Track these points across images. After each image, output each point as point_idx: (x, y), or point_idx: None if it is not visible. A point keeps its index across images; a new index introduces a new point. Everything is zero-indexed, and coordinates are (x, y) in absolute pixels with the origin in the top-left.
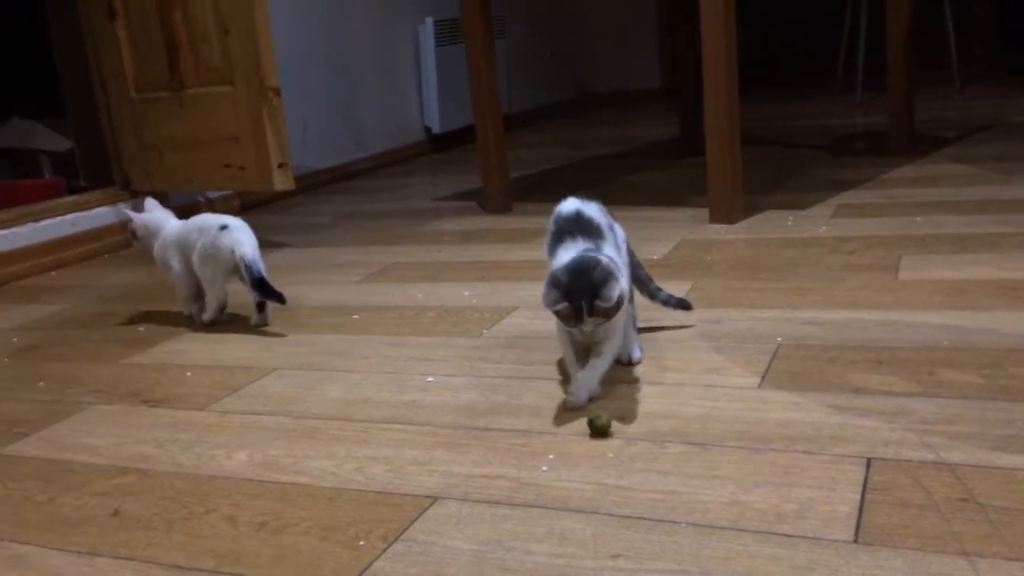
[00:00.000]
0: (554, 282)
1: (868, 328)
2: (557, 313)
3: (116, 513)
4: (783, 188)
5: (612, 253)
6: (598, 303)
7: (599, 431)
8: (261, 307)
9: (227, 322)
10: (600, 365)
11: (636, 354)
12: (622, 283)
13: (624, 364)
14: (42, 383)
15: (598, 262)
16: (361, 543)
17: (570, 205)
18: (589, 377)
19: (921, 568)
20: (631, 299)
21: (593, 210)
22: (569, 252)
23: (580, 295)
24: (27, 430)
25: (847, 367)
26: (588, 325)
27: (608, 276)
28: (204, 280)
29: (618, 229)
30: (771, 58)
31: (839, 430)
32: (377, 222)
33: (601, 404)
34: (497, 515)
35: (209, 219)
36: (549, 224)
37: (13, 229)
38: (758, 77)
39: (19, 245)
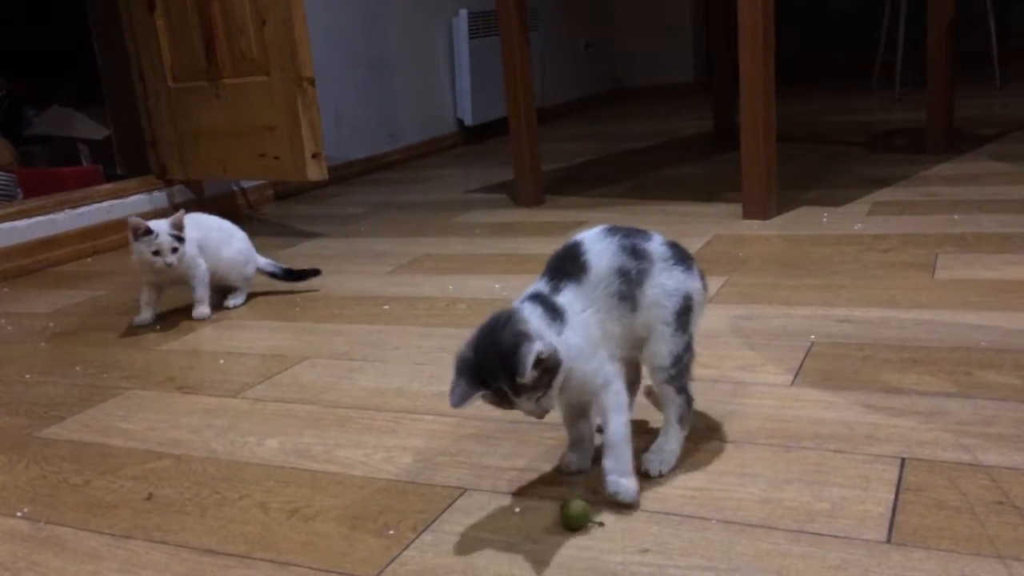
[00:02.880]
0: (459, 366)
1: (903, 327)
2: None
3: (150, 497)
4: (818, 184)
5: (570, 300)
6: (518, 380)
7: (570, 520)
8: (300, 276)
9: (258, 311)
10: (615, 445)
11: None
12: (540, 343)
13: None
14: (79, 368)
15: (506, 318)
16: (391, 532)
17: (584, 234)
18: (607, 466)
19: (955, 570)
20: (684, 355)
21: (609, 247)
22: (521, 296)
23: (492, 374)
24: (63, 413)
25: (881, 366)
26: (529, 405)
27: (516, 338)
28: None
29: (669, 276)
30: (808, 52)
31: (873, 429)
32: (409, 213)
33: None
34: (527, 507)
35: (219, 223)
36: None
37: (51, 216)
38: (794, 71)
39: (57, 231)
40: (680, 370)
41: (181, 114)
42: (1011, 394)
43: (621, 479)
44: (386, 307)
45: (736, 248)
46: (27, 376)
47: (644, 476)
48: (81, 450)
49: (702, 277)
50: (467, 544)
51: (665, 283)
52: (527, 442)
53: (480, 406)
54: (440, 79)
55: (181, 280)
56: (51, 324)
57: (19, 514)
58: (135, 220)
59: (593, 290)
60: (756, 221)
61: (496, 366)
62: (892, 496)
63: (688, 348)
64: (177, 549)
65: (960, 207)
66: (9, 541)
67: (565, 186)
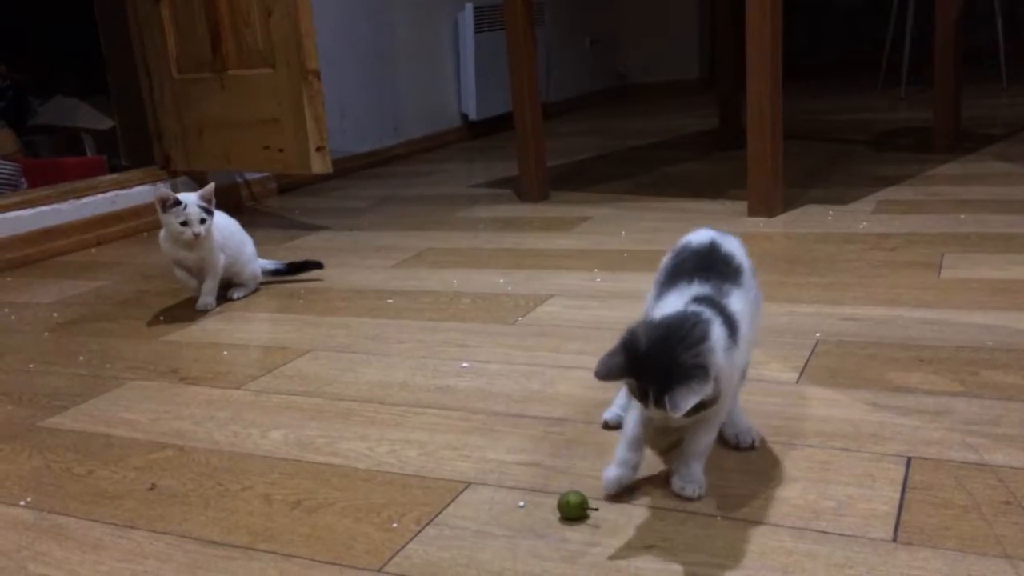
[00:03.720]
0: (626, 343)
1: (909, 326)
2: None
3: (153, 487)
4: (823, 183)
5: (740, 307)
6: (668, 411)
7: (570, 510)
8: (301, 267)
9: (262, 302)
10: (701, 453)
11: (747, 436)
12: (709, 386)
13: (733, 447)
14: (82, 358)
15: (695, 331)
16: (394, 525)
17: (702, 235)
18: (683, 476)
19: (961, 569)
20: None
21: (734, 246)
22: (678, 300)
23: (652, 377)
24: (67, 403)
25: (887, 365)
26: (660, 415)
27: (693, 370)
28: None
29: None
30: (813, 50)
31: (879, 428)
32: (413, 207)
33: None
34: (531, 502)
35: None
36: (666, 257)
37: (55, 206)
38: (800, 69)
39: (61, 222)
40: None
41: (186, 105)
42: (1017, 394)
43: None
44: (390, 301)
45: None
46: (30, 366)
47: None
48: (84, 440)
49: None
50: (471, 538)
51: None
52: (531, 436)
53: (490, 397)
54: (445, 73)
55: (203, 266)
56: (55, 314)
57: (22, 503)
58: (163, 191)
59: (747, 293)
60: (761, 219)
61: (659, 375)
62: (898, 495)
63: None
64: (180, 540)
65: (966, 207)
66: (12, 530)
67: (569, 182)
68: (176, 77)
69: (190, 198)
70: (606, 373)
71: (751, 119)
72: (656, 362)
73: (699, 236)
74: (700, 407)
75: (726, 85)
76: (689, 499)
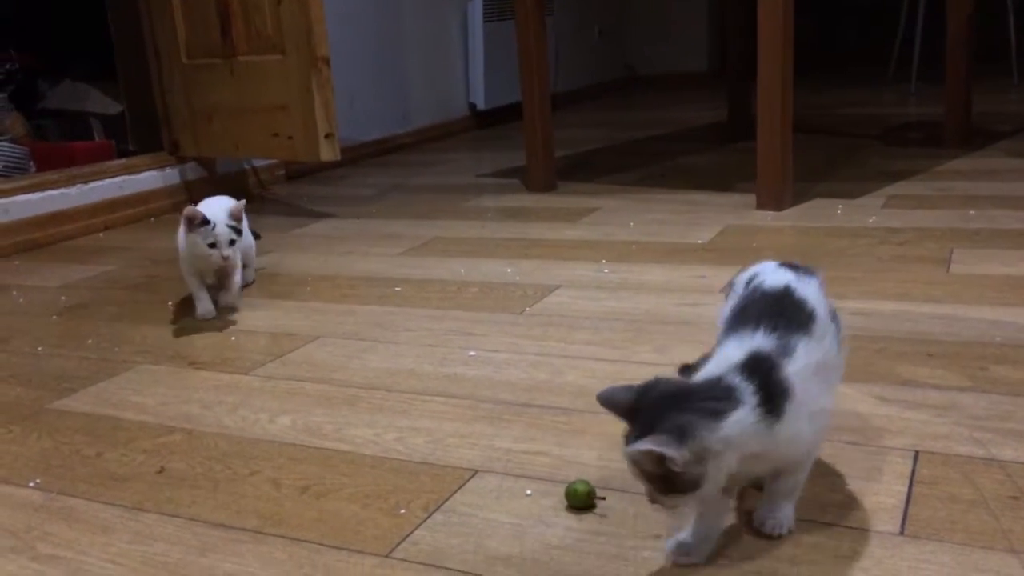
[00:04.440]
0: (642, 387)
1: (918, 321)
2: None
3: (162, 471)
4: (833, 177)
5: (805, 363)
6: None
7: (577, 499)
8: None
9: (268, 290)
10: (790, 494)
11: (777, 525)
12: (680, 453)
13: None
14: (90, 341)
15: (704, 414)
16: (402, 511)
17: (778, 275)
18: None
19: (968, 563)
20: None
21: (810, 289)
22: (736, 351)
23: (640, 426)
24: (75, 386)
25: (896, 359)
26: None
27: (672, 428)
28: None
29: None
30: (825, 44)
31: (886, 422)
32: (420, 196)
33: None
34: (538, 490)
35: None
36: (736, 285)
37: (63, 190)
38: (811, 63)
39: (69, 206)
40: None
41: (194, 91)
42: None
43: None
44: (397, 289)
45: (749, 239)
46: (39, 349)
47: (757, 534)
48: (93, 422)
49: None
50: (478, 525)
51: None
52: (538, 425)
53: (497, 385)
54: (454, 63)
55: (227, 271)
56: (63, 298)
57: (31, 484)
58: (191, 209)
59: (820, 343)
60: (770, 212)
61: (646, 425)
62: (905, 489)
63: None
64: (189, 522)
65: (976, 202)
66: (22, 511)
67: (577, 172)
68: (185, 62)
69: (219, 216)
70: (606, 401)
71: (761, 112)
72: (652, 413)
73: (774, 276)
74: (670, 484)
75: (736, 77)
76: (769, 536)
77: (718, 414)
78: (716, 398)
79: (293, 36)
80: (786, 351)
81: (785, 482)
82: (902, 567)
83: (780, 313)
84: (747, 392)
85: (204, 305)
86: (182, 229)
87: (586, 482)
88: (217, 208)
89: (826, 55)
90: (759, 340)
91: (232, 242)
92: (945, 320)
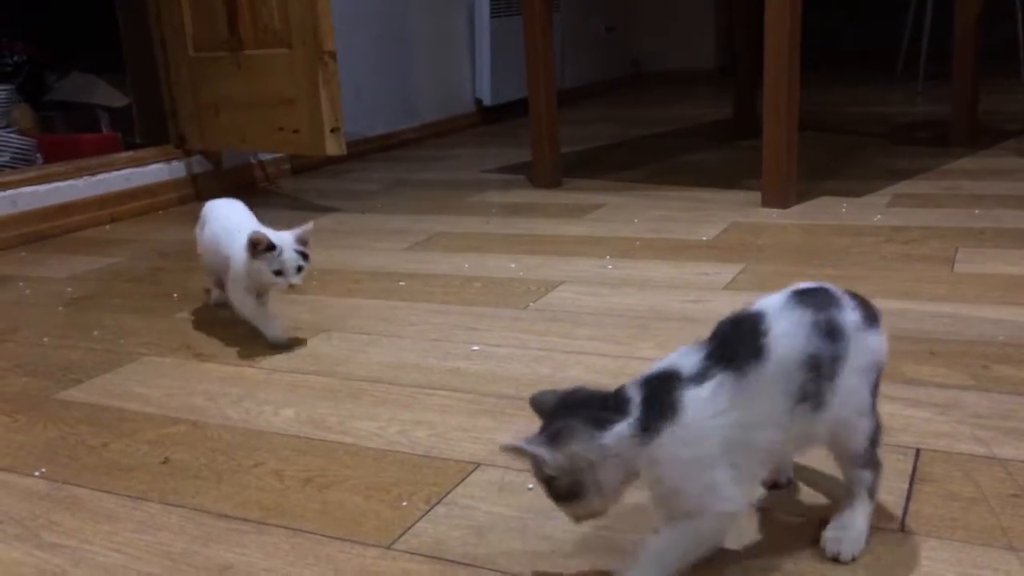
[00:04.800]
0: (569, 391)
1: (922, 319)
2: None
3: (166, 461)
4: (838, 175)
5: (707, 396)
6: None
7: None
8: None
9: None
10: (652, 555)
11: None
12: (549, 455)
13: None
14: (96, 332)
15: (590, 410)
16: (404, 503)
17: (770, 300)
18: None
19: (967, 560)
20: (877, 431)
21: (785, 325)
22: (658, 365)
23: (541, 430)
24: (81, 376)
25: (899, 357)
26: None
27: (553, 433)
28: None
29: (865, 351)
30: (831, 42)
31: (888, 419)
32: (425, 191)
33: None
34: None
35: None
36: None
37: (70, 182)
38: (817, 61)
39: (76, 198)
40: (876, 448)
41: (201, 84)
42: None
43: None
44: (401, 283)
45: (754, 236)
46: (45, 339)
47: (833, 560)
48: (98, 413)
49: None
50: (480, 518)
51: (861, 362)
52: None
53: (500, 380)
54: (460, 58)
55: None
56: (69, 289)
57: (37, 474)
58: (256, 234)
59: (762, 386)
60: (775, 210)
61: (542, 428)
62: (906, 486)
63: (875, 457)
64: (193, 513)
65: (982, 202)
66: (27, 500)
67: (583, 169)
68: (192, 55)
69: (285, 240)
70: (532, 403)
71: (767, 109)
72: (553, 418)
73: (766, 299)
74: (553, 490)
75: (742, 75)
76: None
77: (601, 423)
78: (608, 408)
79: (300, 30)
80: (700, 377)
81: (661, 535)
82: (902, 563)
83: (729, 340)
84: (635, 405)
85: (274, 329)
86: (236, 249)
87: None
88: (281, 231)
89: (833, 53)
90: (688, 359)
91: (299, 268)
92: (948, 319)
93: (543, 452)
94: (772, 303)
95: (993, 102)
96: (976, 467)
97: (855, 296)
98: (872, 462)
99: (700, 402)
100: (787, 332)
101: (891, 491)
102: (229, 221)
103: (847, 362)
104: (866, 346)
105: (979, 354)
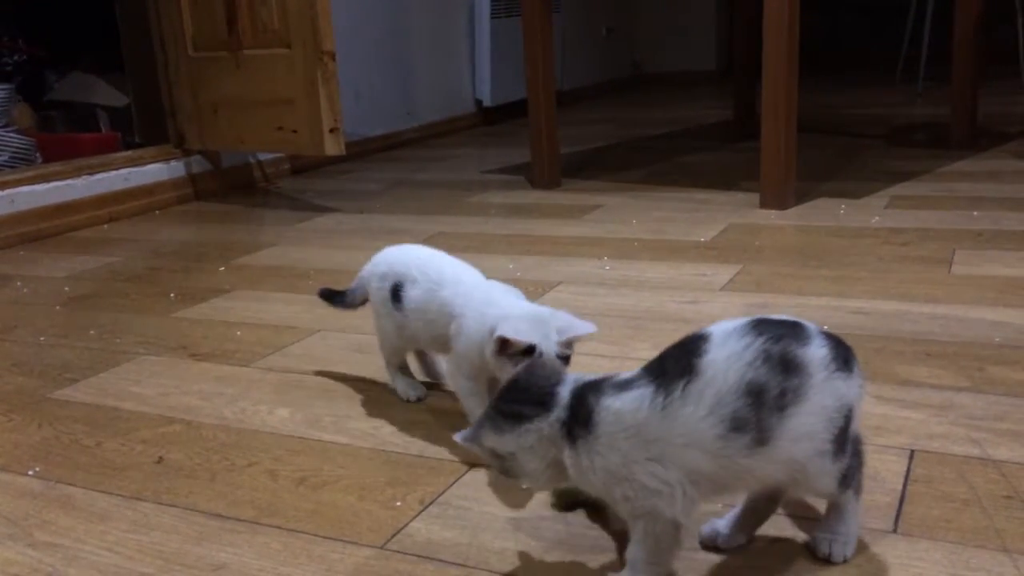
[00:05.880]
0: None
1: (918, 321)
2: None
3: (160, 460)
4: (836, 176)
5: (619, 407)
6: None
7: (567, 495)
8: None
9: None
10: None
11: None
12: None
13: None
14: (92, 332)
15: (509, 412)
16: (398, 503)
17: (727, 323)
18: None
19: (960, 561)
20: (851, 463)
21: (725, 350)
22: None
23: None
24: (77, 376)
25: (894, 358)
26: (488, 450)
27: (481, 424)
28: None
29: (830, 393)
30: (831, 44)
31: (883, 420)
32: (425, 192)
33: None
34: None
35: None
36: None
37: (69, 181)
38: (817, 63)
39: (74, 197)
40: (852, 478)
41: (200, 84)
42: (1023, 390)
43: None
44: None
45: (752, 237)
46: (41, 338)
47: (826, 561)
48: (93, 412)
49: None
50: (473, 518)
51: (825, 403)
52: None
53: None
54: (460, 59)
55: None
56: (66, 288)
57: (30, 472)
58: (508, 336)
59: (686, 406)
60: (773, 211)
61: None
62: (900, 487)
63: (856, 452)
64: (186, 512)
65: (980, 204)
66: (20, 498)
67: (582, 170)
68: (191, 55)
69: (547, 341)
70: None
71: (766, 111)
72: (496, 404)
73: (716, 325)
74: (499, 471)
75: (741, 76)
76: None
77: (519, 418)
78: (534, 402)
79: (299, 30)
80: (626, 387)
81: (630, 544)
82: (895, 564)
83: (667, 356)
84: (561, 404)
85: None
86: (470, 325)
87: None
88: (534, 320)
89: (833, 54)
90: (635, 371)
91: None
92: (945, 320)
93: (469, 446)
94: (725, 326)
95: (992, 105)
96: (970, 468)
97: (830, 336)
98: (855, 484)
99: (613, 413)
100: (728, 356)
101: (885, 492)
102: (459, 286)
103: (804, 400)
104: (832, 388)
105: (975, 356)
